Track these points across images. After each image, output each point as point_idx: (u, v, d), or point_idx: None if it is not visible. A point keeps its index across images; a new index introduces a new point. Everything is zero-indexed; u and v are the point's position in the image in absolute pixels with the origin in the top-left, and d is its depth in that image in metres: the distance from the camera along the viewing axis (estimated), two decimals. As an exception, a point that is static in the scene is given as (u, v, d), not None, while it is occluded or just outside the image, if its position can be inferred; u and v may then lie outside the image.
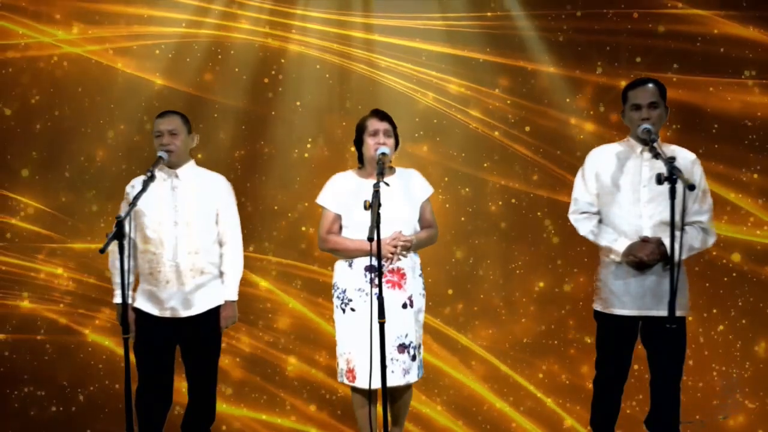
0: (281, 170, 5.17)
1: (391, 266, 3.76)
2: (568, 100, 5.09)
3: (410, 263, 3.84)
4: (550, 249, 5.12)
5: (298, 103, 5.17)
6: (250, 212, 5.07)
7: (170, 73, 5.15)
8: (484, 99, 5.13)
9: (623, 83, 4.21)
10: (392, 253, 3.72)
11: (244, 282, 4.04)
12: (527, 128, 5.12)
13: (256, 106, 5.17)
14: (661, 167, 3.33)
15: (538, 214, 5.14)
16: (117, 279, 3.82)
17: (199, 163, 4.02)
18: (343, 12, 5.14)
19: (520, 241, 5.17)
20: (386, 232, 3.61)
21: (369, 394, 3.71)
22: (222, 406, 4.99)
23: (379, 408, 3.59)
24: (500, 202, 5.17)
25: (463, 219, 5.18)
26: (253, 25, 5.15)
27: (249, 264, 4.95)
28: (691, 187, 3.12)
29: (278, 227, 5.18)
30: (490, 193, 5.17)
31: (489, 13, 5.09)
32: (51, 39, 5.11)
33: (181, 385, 3.98)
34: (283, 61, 5.16)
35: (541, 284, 5.15)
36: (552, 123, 5.09)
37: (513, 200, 5.17)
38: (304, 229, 5.15)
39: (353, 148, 3.96)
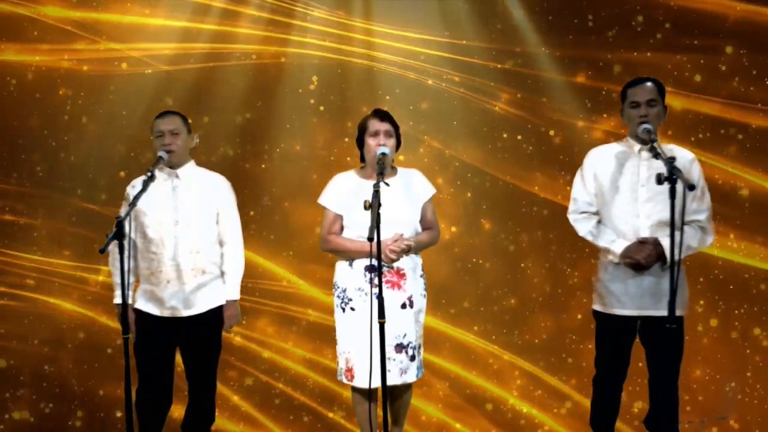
0: (308, 173, 5.13)
1: (389, 267, 3.77)
2: (585, 107, 5.09)
3: (411, 264, 3.84)
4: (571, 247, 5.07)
5: (321, 108, 5.15)
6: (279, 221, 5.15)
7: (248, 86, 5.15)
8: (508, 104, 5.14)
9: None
10: (393, 254, 3.73)
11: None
12: (551, 132, 5.11)
13: (290, 113, 5.17)
14: (659, 167, 3.33)
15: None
16: (117, 279, 3.82)
17: (201, 164, 4.02)
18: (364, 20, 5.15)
19: (537, 240, 5.16)
20: (387, 232, 3.61)
21: (369, 393, 3.72)
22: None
23: (380, 409, 3.60)
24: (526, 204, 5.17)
25: (481, 220, 5.18)
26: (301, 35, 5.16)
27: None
28: (691, 187, 3.12)
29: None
30: (509, 194, 5.17)
31: (497, 30, 5.11)
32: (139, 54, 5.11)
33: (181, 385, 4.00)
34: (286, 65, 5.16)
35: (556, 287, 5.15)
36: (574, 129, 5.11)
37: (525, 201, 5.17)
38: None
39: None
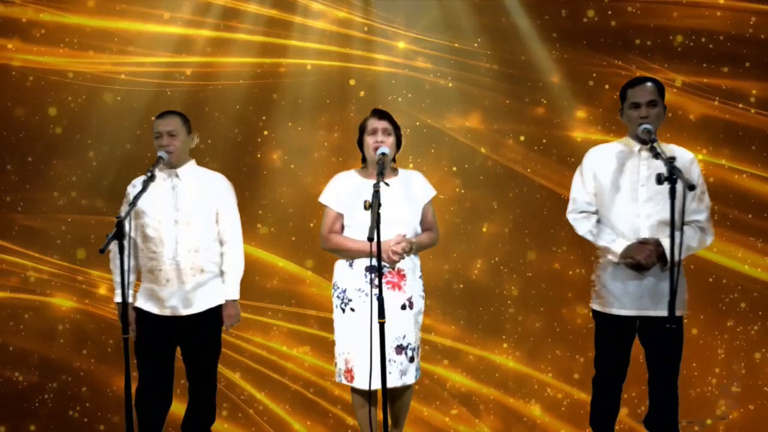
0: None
1: (390, 268, 3.77)
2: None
3: (410, 264, 3.84)
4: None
5: (351, 114, 5.14)
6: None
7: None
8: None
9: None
10: (396, 256, 3.73)
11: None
12: (578, 139, 5.10)
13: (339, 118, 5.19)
14: (658, 166, 3.34)
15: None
16: (117, 278, 3.83)
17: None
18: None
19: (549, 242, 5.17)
20: (386, 232, 3.59)
21: (369, 395, 3.71)
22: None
23: (379, 410, 3.60)
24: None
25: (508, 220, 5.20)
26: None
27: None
28: (691, 187, 3.12)
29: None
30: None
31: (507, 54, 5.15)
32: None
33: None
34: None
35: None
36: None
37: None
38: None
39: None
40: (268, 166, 5.18)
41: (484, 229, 5.17)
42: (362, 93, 5.14)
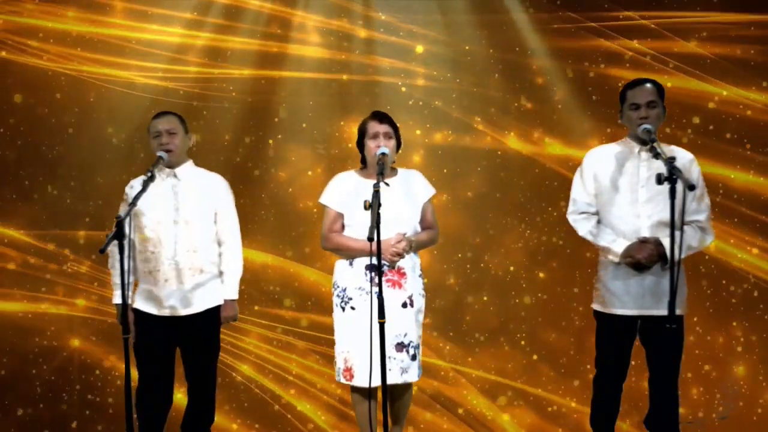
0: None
1: (390, 266, 3.78)
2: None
3: (410, 263, 3.85)
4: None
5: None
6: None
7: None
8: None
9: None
10: (397, 256, 3.74)
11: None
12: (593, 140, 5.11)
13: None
14: (659, 167, 3.34)
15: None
16: (117, 279, 3.83)
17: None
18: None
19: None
20: (386, 232, 3.60)
21: (369, 393, 3.71)
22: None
23: (379, 410, 3.60)
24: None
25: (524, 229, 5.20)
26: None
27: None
28: (691, 187, 3.13)
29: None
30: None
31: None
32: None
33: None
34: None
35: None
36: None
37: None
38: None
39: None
40: (275, 167, 5.19)
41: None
42: (372, 97, 5.13)
